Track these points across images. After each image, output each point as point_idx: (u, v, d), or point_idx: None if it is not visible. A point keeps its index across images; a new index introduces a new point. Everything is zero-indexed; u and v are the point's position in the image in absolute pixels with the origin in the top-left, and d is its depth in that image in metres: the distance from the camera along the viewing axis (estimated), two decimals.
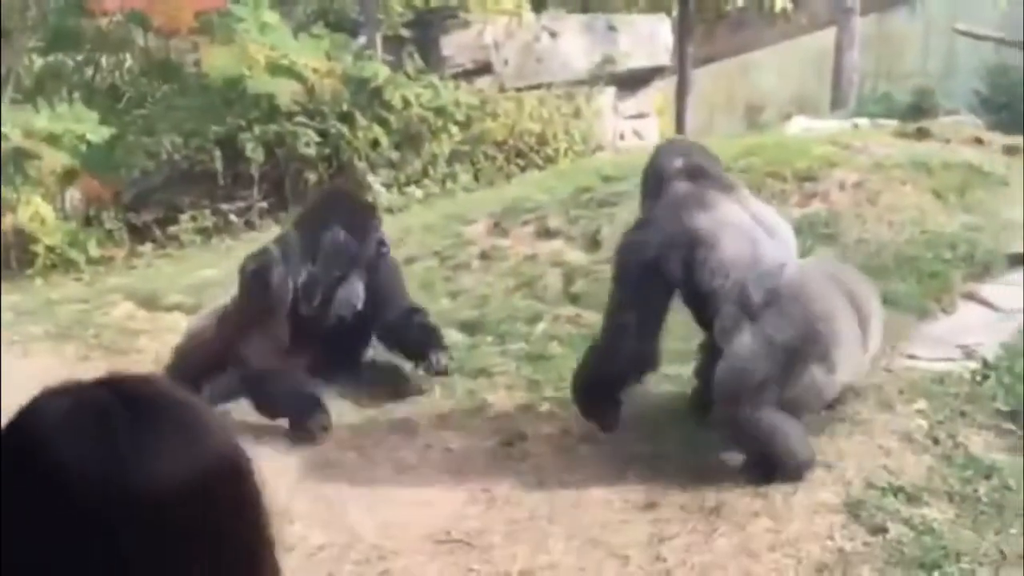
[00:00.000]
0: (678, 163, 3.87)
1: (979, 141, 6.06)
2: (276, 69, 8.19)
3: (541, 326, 4.91)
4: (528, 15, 9.74)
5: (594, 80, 10.10)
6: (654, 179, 3.92)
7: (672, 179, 3.82)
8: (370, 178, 8.67)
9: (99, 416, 0.74)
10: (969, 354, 4.10)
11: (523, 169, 9.11)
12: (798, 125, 11.52)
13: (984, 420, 3.76)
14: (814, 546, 3.11)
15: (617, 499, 3.51)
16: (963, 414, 3.78)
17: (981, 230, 4.96)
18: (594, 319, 4.97)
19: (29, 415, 0.76)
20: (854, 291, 3.69)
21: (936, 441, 3.65)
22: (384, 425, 4.22)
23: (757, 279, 3.56)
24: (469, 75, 9.63)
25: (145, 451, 0.73)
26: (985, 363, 4.04)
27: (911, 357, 4.18)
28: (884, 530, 3.16)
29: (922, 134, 6.07)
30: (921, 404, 3.85)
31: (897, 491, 3.36)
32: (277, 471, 3.81)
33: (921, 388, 3.93)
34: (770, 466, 3.48)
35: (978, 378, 3.97)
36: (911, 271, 4.70)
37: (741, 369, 3.47)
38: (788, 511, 3.31)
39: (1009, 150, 5.93)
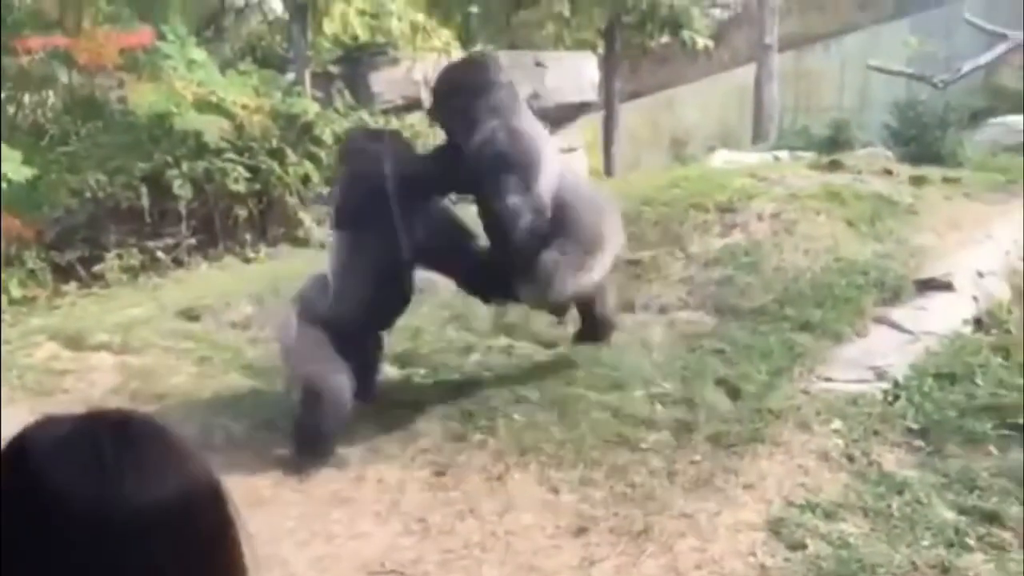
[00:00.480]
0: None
1: (889, 172, 6.35)
2: (204, 106, 8.17)
3: (474, 357, 4.98)
4: (456, 52, 9.89)
5: None
6: (510, 97, 4.37)
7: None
8: (301, 213, 8.69)
9: (92, 445, 0.79)
10: (881, 375, 4.28)
11: (454, 202, 9.19)
12: (721, 158, 11.87)
13: (896, 438, 3.93)
14: (737, 563, 3.22)
15: (549, 525, 3.58)
16: (876, 433, 3.95)
17: (891, 257, 5.19)
18: (527, 350, 5.08)
19: (23, 443, 0.81)
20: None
21: (851, 459, 3.81)
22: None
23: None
24: (399, 111, 9.72)
25: (134, 478, 0.78)
26: (896, 384, 4.23)
27: (827, 380, 4.35)
28: (803, 546, 3.29)
29: (835, 166, 6.34)
30: (837, 424, 4.01)
31: (815, 508, 3.50)
32: None
33: (837, 409, 4.10)
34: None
35: (890, 398, 4.16)
36: (827, 297, 4.90)
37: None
38: (713, 531, 3.42)
39: (916, 180, 6.22)
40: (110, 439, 0.79)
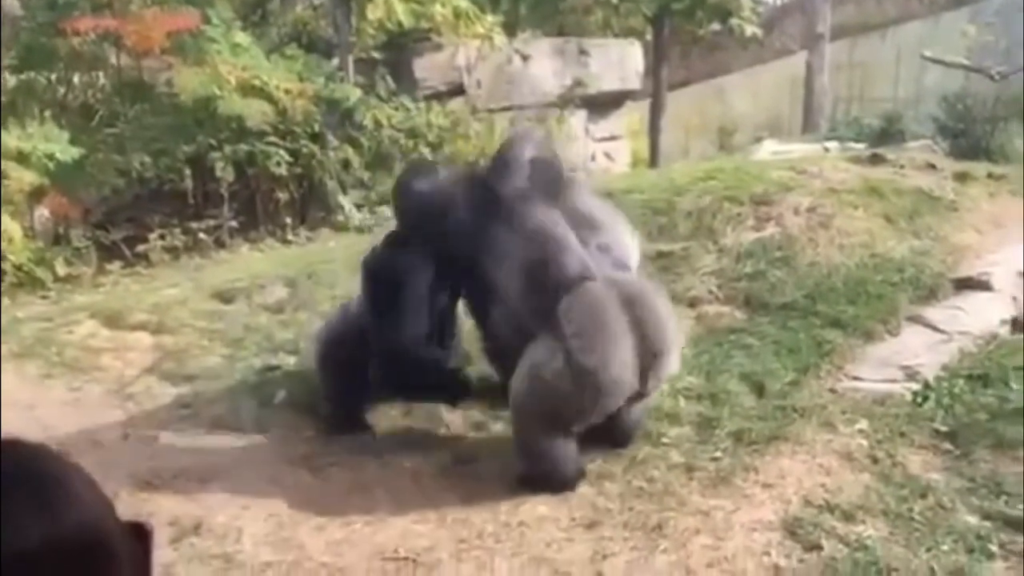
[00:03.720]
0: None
1: (932, 167, 6.20)
2: (247, 89, 8.26)
3: None
4: (500, 38, 9.87)
5: (565, 103, 10.22)
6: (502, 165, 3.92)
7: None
8: (341, 198, 8.76)
9: None
10: (911, 375, 4.20)
11: None
12: (768, 148, 11.72)
13: (923, 440, 3.85)
14: (750, 562, 3.18)
15: (563, 517, 3.56)
16: (902, 434, 3.88)
17: (928, 254, 5.08)
18: None
19: None
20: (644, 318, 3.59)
21: (875, 460, 3.74)
22: (339, 443, 4.27)
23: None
24: (441, 96, 9.75)
25: None
26: (926, 384, 4.14)
27: (855, 378, 4.28)
28: (819, 547, 3.23)
29: (877, 160, 6.21)
30: (863, 424, 3.94)
31: (834, 509, 3.44)
32: (229, 489, 3.87)
33: (863, 408, 4.03)
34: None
35: (919, 399, 4.07)
36: (860, 294, 4.81)
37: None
38: (728, 529, 3.38)
39: (960, 176, 6.07)
40: None
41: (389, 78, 9.35)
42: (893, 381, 4.20)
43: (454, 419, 4.35)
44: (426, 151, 9.03)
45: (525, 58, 10.25)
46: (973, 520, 3.38)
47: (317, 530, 3.60)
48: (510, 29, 10.97)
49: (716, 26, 13.94)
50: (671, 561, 3.23)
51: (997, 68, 11.47)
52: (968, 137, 7.09)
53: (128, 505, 3.68)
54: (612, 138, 11.33)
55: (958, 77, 11.96)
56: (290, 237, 8.50)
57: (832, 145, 10.94)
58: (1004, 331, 4.63)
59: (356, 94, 8.83)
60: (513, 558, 3.33)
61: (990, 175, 6.18)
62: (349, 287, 6.04)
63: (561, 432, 3.66)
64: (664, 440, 4.00)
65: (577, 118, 10.54)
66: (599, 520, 3.50)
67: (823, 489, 3.58)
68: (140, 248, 8.00)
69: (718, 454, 3.86)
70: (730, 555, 3.24)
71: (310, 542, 3.51)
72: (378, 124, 8.86)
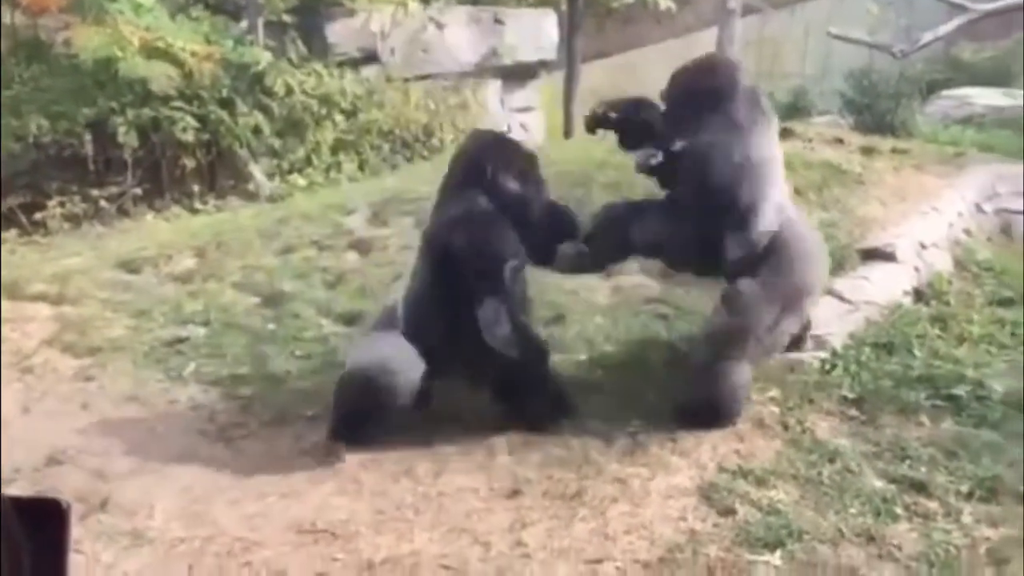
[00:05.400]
0: None
1: (839, 141, 6.35)
2: (151, 51, 7.94)
3: None
4: (414, 5, 9.69)
5: (480, 72, 10.14)
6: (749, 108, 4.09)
7: None
8: (251, 166, 8.53)
9: None
10: (820, 344, 4.31)
11: (409, 160, 9.10)
12: None
13: (831, 407, 3.98)
14: (667, 528, 3.23)
15: (483, 488, 3.56)
16: (811, 401, 3.99)
17: (836, 226, 5.20)
18: None
19: None
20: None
21: (786, 427, 3.84)
22: (255, 417, 4.18)
23: None
24: (355, 64, 9.53)
25: None
26: (834, 353, 4.26)
27: None
28: (733, 511, 3.31)
29: (786, 134, 6.30)
30: (774, 392, 4.04)
31: (747, 474, 3.52)
32: (138, 464, 3.76)
33: (774, 376, 4.12)
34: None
35: (827, 367, 4.19)
36: None
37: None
38: (645, 496, 3.43)
39: (866, 150, 6.23)
40: None
41: (300, 43, 9.11)
42: (802, 349, 4.30)
43: None
44: (340, 119, 8.85)
45: (440, 26, 10.11)
46: (879, 484, 3.50)
47: (231, 504, 3.52)
48: None
49: None
50: (590, 528, 3.26)
51: (899, 46, 11.83)
52: (873, 112, 7.28)
53: (31, 482, 3.54)
54: (527, 109, 11.28)
55: (864, 54, 12.28)
56: (198, 206, 8.24)
57: None
58: (907, 301, 4.79)
59: (266, 58, 8.56)
60: (433, 529, 3.32)
61: (894, 150, 6.36)
62: (260, 257, 5.91)
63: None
64: (583, 409, 4.02)
65: (492, 88, 10.46)
66: (519, 489, 3.51)
67: (737, 455, 3.66)
68: (38, 216, 7.66)
69: (636, 422, 3.90)
70: (647, 521, 3.29)
71: (223, 517, 3.44)
72: (289, 90, 8.62)
